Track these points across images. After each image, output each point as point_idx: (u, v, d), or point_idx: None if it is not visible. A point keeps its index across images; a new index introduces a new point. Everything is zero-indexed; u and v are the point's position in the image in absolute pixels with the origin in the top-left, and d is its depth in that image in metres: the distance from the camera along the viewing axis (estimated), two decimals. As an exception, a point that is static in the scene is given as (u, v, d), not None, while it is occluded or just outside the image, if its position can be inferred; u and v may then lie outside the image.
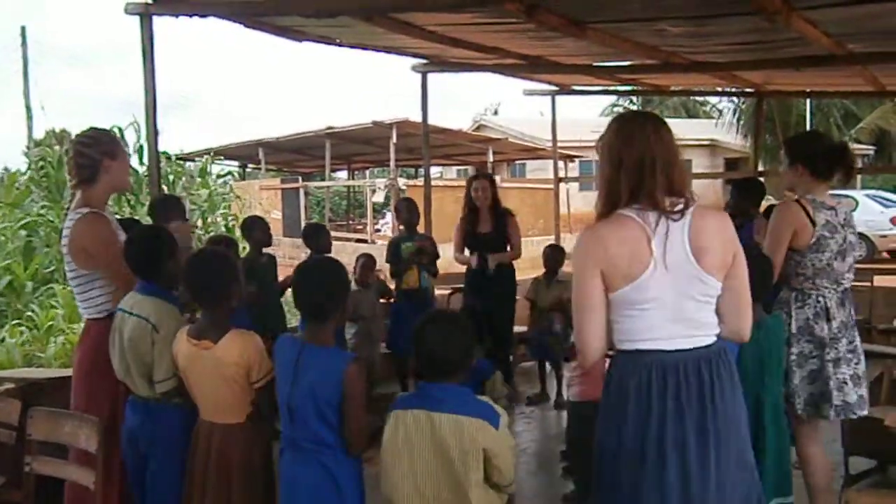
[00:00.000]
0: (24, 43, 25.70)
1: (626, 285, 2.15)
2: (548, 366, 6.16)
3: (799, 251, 3.35)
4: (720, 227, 2.23)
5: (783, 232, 3.35)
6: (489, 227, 5.77)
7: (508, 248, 5.83)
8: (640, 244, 2.14)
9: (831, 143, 3.66)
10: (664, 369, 2.16)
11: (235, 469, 2.70)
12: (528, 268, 6.22)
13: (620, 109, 33.94)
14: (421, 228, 6.36)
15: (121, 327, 2.96)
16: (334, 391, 2.49)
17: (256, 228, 5.45)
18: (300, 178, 24.51)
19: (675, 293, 2.15)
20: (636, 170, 2.17)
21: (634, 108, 37.62)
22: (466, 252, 5.84)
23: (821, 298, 3.38)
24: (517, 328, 6.36)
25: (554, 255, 6.07)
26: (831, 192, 3.49)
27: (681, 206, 2.17)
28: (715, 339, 2.23)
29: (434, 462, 2.36)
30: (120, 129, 12.86)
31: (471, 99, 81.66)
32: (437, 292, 6.17)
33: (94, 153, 3.23)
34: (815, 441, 3.43)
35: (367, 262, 5.85)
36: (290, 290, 4.45)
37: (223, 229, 14.61)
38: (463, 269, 5.99)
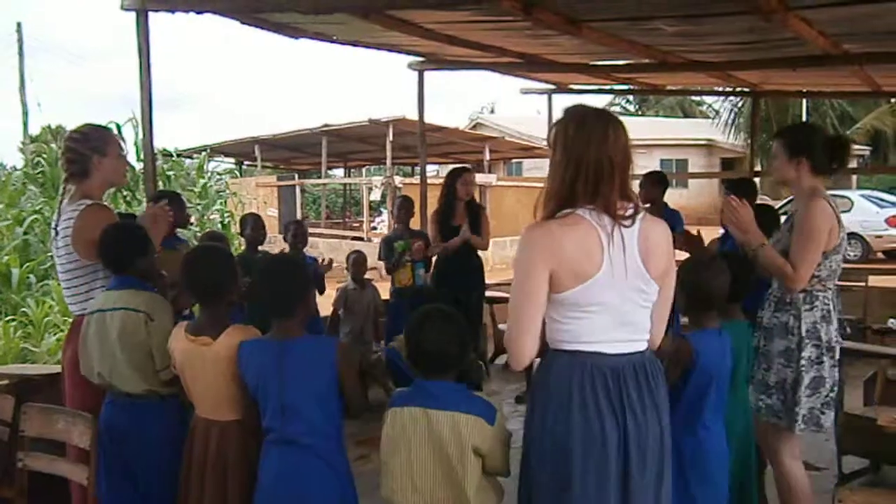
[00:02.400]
0: (19, 39, 25.68)
1: (575, 287, 2.11)
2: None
3: (824, 252, 3.19)
4: (664, 235, 2.25)
5: (823, 234, 3.15)
6: (463, 221, 5.81)
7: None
8: (594, 246, 2.11)
9: (830, 134, 3.50)
10: (603, 371, 2.14)
11: (232, 466, 2.68)
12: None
13: (617, 108, 34.00)
14: (417, 226, 6.36)
15: (102, 328, 2.91)
16: (330, 375, 2.56)
17: (248, 226, 5.44)
18: (296, 176, 24.51)
19: (623, 297, 2.14)
20: (594, 171, 2.13)
21: (630, 107, 37.72)
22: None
23: (826, 300, 3.26)
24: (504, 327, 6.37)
25: None
26: (830, 191, 3.40)
27: (631, 212, 2.17)
28: (648, 344, 2.24)
29: (431, 459, 2.36)
30: (118, 126, 12.83)
31: (468, 97, 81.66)
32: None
33: (82, 149, 3.20)
34: (795, 454, 3.29)
35: (359, 258, 5.87)
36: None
37: (219, 226, 14.61)
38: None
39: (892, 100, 20.83)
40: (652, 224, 2.22)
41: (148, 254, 3.03)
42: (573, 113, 2.23)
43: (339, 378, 2.58)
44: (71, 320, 3.36)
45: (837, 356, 3.29)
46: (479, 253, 6.01)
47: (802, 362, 3.21)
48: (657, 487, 2.20)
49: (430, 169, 24.92)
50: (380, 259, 5.99)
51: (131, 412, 2.90)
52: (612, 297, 2.13)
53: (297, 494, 2.54)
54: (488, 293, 6.57)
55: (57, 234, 3.22)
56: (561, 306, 2.15)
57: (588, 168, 2.14)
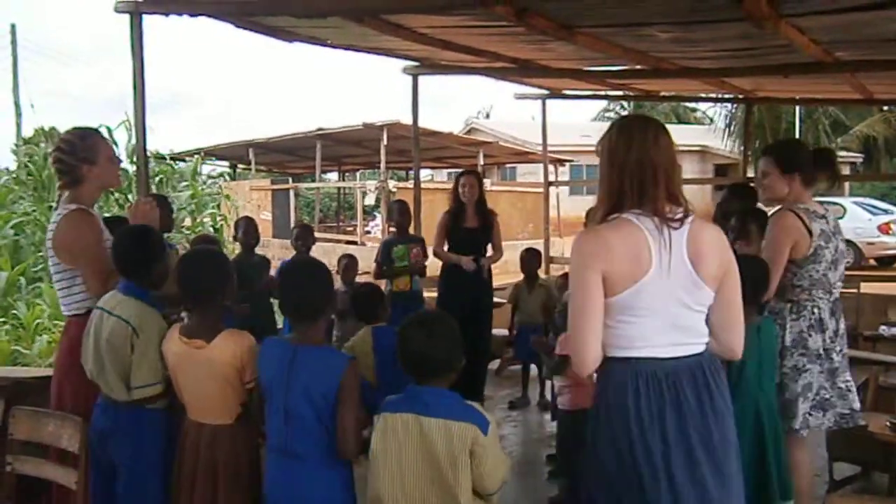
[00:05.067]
0: (13, 41, 25.62)
1: (626, 290, 2.13)
2: (532, 368, 6.16)
3: (796, 262, 3.31)
4: (716, 238, 2.25)
5: (784, 244, 3.30)
6: (475, 224, 5.82)
7: (490, 249, 5.89)
8: (642, 249, 2.13)
9: (817, 148, 3.69)
10: (658, 377, 2.14)
11: (222, 470, 2.67)
12: (514, 271, 6.24)
13: (612, 114, 34.06)
14: (411, 230, 6.36)
15: (99, 327, 2.90)
16: (331, 390, 2.47)
17: (240, 229, 5.44)
18: (290, 179, 24.48)
19: (673, 300, 2.14)
20: (637, 174, 2.17)
21: (625, 112, 37.83)
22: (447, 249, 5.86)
23: (815, 309, 3.33)
24: (501, 331, 6.37)
25: (532, 259, 6.15)
26: (821, 199, 3.48)
27: (680, 215, 2.18)
28: (705, 347, 2.22)
29: (422, 466, 2.34)
30: (108, 129, 12.80)
31: (463, 103, 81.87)
32: (426, 294, 6.19)
33: (71, 160, 3.18)
34: (802, 447, 3.40)
35: (350, 262, 5.88)
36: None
37: (210, 229, 14.57)
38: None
39: (885, 108, 20.95)
40: (702, 227, 2.22)
41: (163, 258, 2.99)
42: (617, 121, 2.31)
43: (338, 400, 2.47)
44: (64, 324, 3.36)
45: (833, 363, 3.33)
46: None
47: (786, 371, 3.30)
48: (729, 487, 2.18)
49: (425, 173, 24.93)
50: (375, 262, 6.00)
51: (116, 416, 2.86)
52: (663, 299, 2.13)
53: (294, 501, 2.51)
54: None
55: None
56: (613, 310, 2.15)
57: (631, 171, 2.17)
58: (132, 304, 2.88)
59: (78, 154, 3.19)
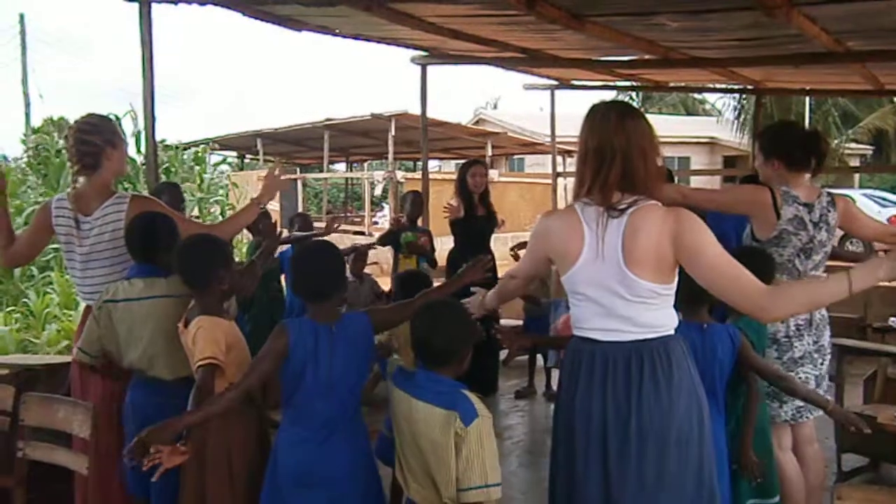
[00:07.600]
0: (22, 30, 25.70)
1: (565, 274, 2.26)
2: (539, 359, 6.16)
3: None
4: (663, 227, 2.11)
5: (742, 197, 3.37)
6: (483, 211, 5.88)
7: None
8: (574, 238, 2.21)
9: (804, 131, 3.53)
10: (594, 357, 2.22)
11: (235, 452, 2.67)
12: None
13: (620, 105, 33.89)
14: (419, 222, 6.37)
15: (129, 316, 2.88)
16: (370, 340, 2.63)
17: (297, 223, 5.52)
18: (298, 170, 24.52)
19: (605, 290, 2.17)
20: (595, 160, 2.19)
21: (633, 104, 37.64)
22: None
23: None
24: (509, 322, 6.36)
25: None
26: (831, 191, 3.38)
27: (625, 205, 2.15)
28: (663, 335, 2.20)
29: (413, 446, 2.37)
30: (117, 118, 12.81)
31: (471, 93, 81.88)
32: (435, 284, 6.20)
33: (97, 140, 3.16)
34: (782, 447, 3.27)
35: (359, 252, 5.90)
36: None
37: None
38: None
39: (895, 98, 20.82)
40: (645, 215, 2.13)
41: (174, 244, 3.00)
42: (591, 107, 2.29)
43: (381, 327, 2.72)
44: (76, 312, 3.34)
45: (795, 351, 3.26)
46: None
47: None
48: (642, 471, 2.16)
49: (432, 164, 24.93)
50: (377, 242, 6.12)
51: (169, 394, 2.81)
52: (595, 288, 2.19)
53: (327, 474, 2.51)
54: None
55: (79, 225, 3.14)
56: (567, 290, 2.30)
57: (591, 158, 2.20)
58: (166, 281, 2.91)
59: (103, 135, 3.18)
